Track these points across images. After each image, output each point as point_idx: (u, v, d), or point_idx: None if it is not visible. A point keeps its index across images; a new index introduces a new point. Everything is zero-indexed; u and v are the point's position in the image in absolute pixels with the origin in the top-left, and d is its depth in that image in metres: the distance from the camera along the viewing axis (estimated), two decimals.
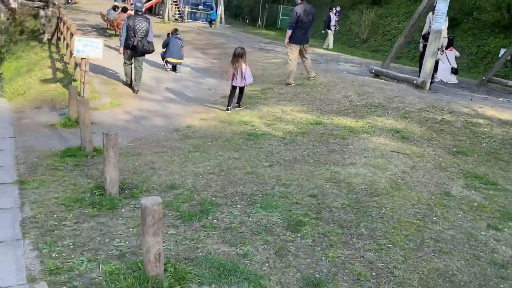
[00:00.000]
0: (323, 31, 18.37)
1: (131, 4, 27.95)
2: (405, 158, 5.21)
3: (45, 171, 4.55)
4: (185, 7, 28.98)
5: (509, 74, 13.41)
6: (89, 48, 7.42)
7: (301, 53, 8.81)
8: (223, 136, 6.13)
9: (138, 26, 8.42)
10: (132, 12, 12.31)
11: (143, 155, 5.30)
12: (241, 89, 7.65)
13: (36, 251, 2.98)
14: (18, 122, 6.68)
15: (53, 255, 2.94)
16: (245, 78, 7.41)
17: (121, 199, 3.90)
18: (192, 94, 9.20)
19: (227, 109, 7.59)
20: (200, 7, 27.96)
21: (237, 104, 7.70)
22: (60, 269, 2.77)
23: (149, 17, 9.54)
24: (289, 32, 8.61)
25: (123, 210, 3.70)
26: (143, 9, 9.81)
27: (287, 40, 8.66)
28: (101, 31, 17.44)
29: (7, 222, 3.39)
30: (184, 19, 27.33)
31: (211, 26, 24.36)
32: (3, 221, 3.39)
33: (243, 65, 7.38)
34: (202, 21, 28.40)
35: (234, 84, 7.48)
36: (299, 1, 8.63)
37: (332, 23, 16.76)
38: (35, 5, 14.31)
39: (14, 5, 13.31)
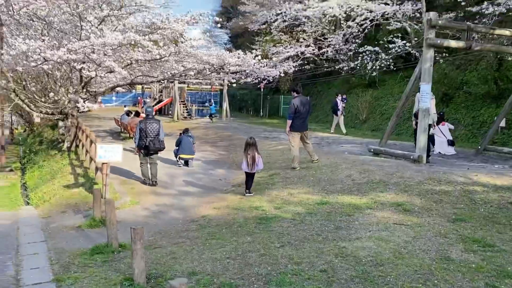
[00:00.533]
0: (332, 117, 19.38)
1: (142, 107, 29.92)
2: (407, 229, 5.58)
3: (78, 269, 4.98)
4: (192, 105, 30.90)
5: (507, 141, 13.98)
6: (109, 153, 8.21)
7: (302, 139, 9.56)
8: (236, 222, 6.58)
9: (149, 127, 9.42)
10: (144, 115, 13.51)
11: (164, 246, 5.73)
12: (252, 175, 8.26)
13: None
14: (47, 226, 7.21)
15: None
16: (256, 165, 8.07)
17: (148, 287, 4.28)
18: (204, 186, 9.80)
19: (246, 192, 8.18)
20: (206, 104, 29.76)
21: (247, 190, 8.26)
22: None
23: (158, 118, 10.55)
24: (289, 122, 9.45)
25: None
26: (153, 113, 10.83)
27: (288, 129, 9.48)
28: (115, 135, 18.67)
29: None
30: (192, 116, 29.02)
31: (211, 120, 25.78)
32: None
33: (256, 153, 8.08)
34: (216, 117, 30.01)
35: (247, 171, 8.12)
36: (295, 94, 9.59)
37: (340, 108, 17.49)
38: (55, 118, 15.59)
39: (37, 119, 14.56)
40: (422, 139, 8.50)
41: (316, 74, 28.77)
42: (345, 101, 18.75)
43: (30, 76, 16.61)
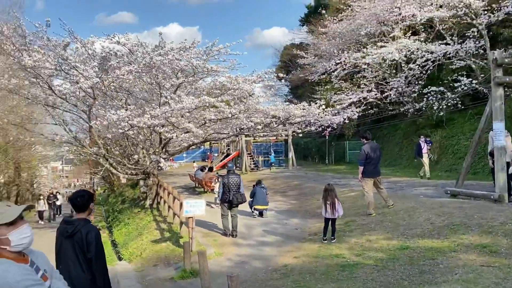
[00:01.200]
0: (415, 159, 18.88)
1: (211, 162, 31.28)
2: (495, 270, 5.50)
3: None
4: (258, 156, 31.82)
5: None
6: (194, 208, 8.89)
7: (375, 185, 9.69)
8: (318, 270, 6.79)
9: (231, 182, 10.01)
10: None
11: None
12: (333, 221, 8.48)
13: None
14: (143, 279, 7.87)
15: None
16: (337, 211, 8.30)
17: None
18: (281, 235, 10.11)
19: (324, 240, 8.39)
20: (272, 155, 30.49)
21: (332, 237, 8.46)
22: None
23: (238, 173, 11.20)
24: (360, 168, 9.66)
25: None
26: (234, 168, 11.43)
27: (360, 175, 9.67)
28: (191, 190, 19.70)
29: None
30: (259, 167, 29.80)
31: (270, 169, 26.36)
32: None
33: (335, 199, 8.34)
34: (275, 166, 30.64)
35: (327, 217, 8.36)
36: (365, 141, 9.85)
37: (424, 150, 16.54)
38: (139, 177, 16.93)
39: (123, 180, 15.92)
40: (501, 178, 8.32)
41: (381, 118, 28.64)
42: (430, 144, 17.95)
43: (112, 142, 18.35)
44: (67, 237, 3.84)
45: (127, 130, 13.23)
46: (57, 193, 27.15)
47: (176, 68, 13.87)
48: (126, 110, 13.02)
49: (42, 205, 24.22)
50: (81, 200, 4.01)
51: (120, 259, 10.49)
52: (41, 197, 26.99)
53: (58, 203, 26.40)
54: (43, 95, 13.14)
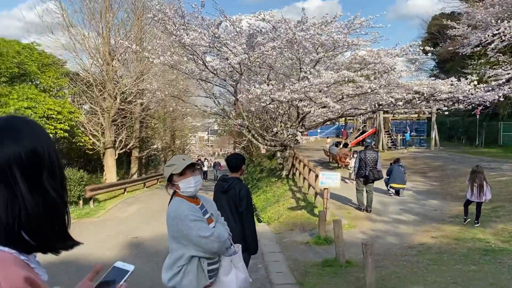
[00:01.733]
0: None
1: (346, 138, 31.09)
2: None
3: (313, 277, 5.89)
4: (397, 135, 30.48)
5: None
6: (329, 180, 9.18)
7: None
8: (458, 252, 6.55)
9: (368, 157, 9.98)
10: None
11: (386, 267, 6.20)
12: (479, 205, 8.00)
13: None
14: (281, 241, 8.53)
15: None
16: (485, 194, 7.81)
17: None
18: (418, 215, 9.83)
19: (465, 220, 8.04)
20: (412, 133, 28.89)
21: (476, 221, 8.01)
22: None
23: (377, 149, 11.09)
24: None
25: None
26: (372, 144, 11.31)
27: None
28: (324, 165, 20.03)
29: None
30: (397, 146, 28.61)
31: (406, 149, 24.93)
32: None
33: (484, 182, 7.85)
34: (415, 146, 29.07)
35: (472, 199, 7.93)
36: None
37: None
38: (276, 149, 17.86)
39: (263, 151, 16.97)
40: None
41: None
42: None
43: (253, 115, 19.54)
44: (223, 192, 4.47)
45: (269, 104, 14.02)
46: (205, 159, 30.17)
47: (316, 43, 14.06)
48: (268, 84, 13.75)
49: None
50: (235, 161, 4.60)
51: (259, 221, 11.41)
52: (205, 160, 31.00)
53: (204, 169, 29.47)
54: (197, 70, 14.64)
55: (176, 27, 13.03)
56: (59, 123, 15.21)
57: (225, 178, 4.65)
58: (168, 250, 2.76)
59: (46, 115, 14.72)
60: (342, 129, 38.61)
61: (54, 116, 14.92)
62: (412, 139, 29.81)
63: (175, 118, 31.74)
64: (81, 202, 15.40)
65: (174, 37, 13.17)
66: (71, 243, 1.05)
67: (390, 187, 12.03)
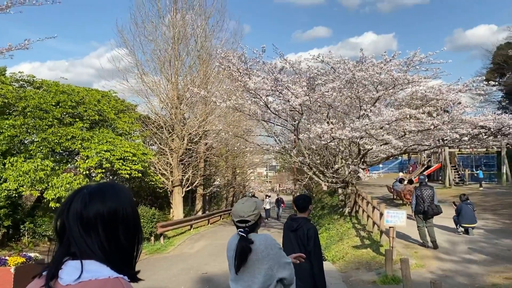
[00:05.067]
0: None
1: (410, 173, 30.25)
2: None
3: None
4: (465, 169, 29.20)
5: None
6: (395, 218, 9.23)
7: None
8: None
9: (425, 194, 10.09)
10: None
11: None
12: None
13: None
14: (347, 279, 8.64)
15: None
16: None
17: None
18: (489, 255, 9.50)
19: None
20: (481, 170, 27.53)
21: None
22: None
23: (432, 185, 11.02)
24: None
25: None
26: (426, 180, 11.32)
27: None
28: (388, 201, 19.70)
29: None
30: (465, 181, 27.39)
31: (480, 187, 23.54)
32: None
33: None
34: (485, 182, 27.63)
35: None
36: None
37: None
38: (338, 186, 17.94)
39: (324, 188, 17.13)
40: None
41: None
42: None
43: (313, 152, 19.85)
44: (292, 231, 4.84)
45: (329, 142, 14.34)
46: (267, 196, 30.24)
47: (376, 81, 14.34)
48: (329, 123, 14.13)
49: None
50: (303, 202, 4.98)
51: (324, 260, 11.51)
52: (267, 196, 30.60)
53: (267, 207, 28.34)
54: (260, 112, 15.40)
55: (241, 73, 13.91)
56: (134, 164, 16.49)
57: (294, 217, 5.02)
58: None
59: (122, 157, 16.04)
60: (411, 164, 37.25)
61: (129, 157, 16.22)
62: (488, 174, 28.42)
63: (236, 156, 32.77)
64: (152, 238, 16.33)
65: (238, 82, 14.05)
66: (134, 273, 1.32)
67: (460, 226, 11.70)
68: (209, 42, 24.49)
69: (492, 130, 14.29)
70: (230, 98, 14.71)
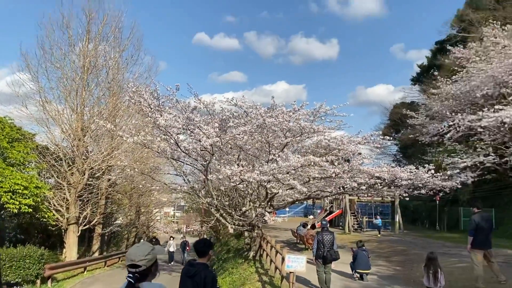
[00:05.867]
0: None
1: (314, 219, 31.32)
2: None
3: None
4: (362, 217, 31.05)
5: None
6: (295, 263, 9.33)
7: (486, 257, 9.17)
8: None
9: (326, 239, 10.43)
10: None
11: None
12: None
13: None
14: None
15: None
16: (439, 281, 8.08)
17: None
18: None
19: None
20: (378, 216, 29.52)
21: None
22: None
23: (332, 230, 11.47)
24: (470, 238, 9.27)
25: None
26: (327, 225, 11.78)
27: (469, 246, 9.27)
28: (291, 245, 20.05)
29: None
30: (363, 228, 29.02)
31: (378, 235, 25.23)
32: None
33: (438, 268, 8.16)
34: (382, 229, 29.49)
35: (428, 286, 8.17)
36: (476, 210, 9.48)
37: None
38: (244, 229, 17.86)
39: (231, 230, 16.94)
40: None
41: (500, 184, 26.37)
42: None
43: (222, 193, 19.75)
44: (189, 277, 4.62)
45: (238, 184, 14.35)
46: (172, 238, 28.74)
47: (285, 128, 14.88)
48: (238, 165, 14.21)
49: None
50: (203, 247, 4.81)
51: None
52: (171, 238, 28.41)
53: (171, 249, 26.77)
54: (169, 150, 15.03)
55: (152, 109, 13.58)
56: (25, 198, 14.94)
57: (193, 263, 4.81)
58: None
59: (12, 190, 14.48)
60: (321, 209, 38.23)
61: (20, 191, 14.68)
62: (383, 222, 30.36)
63: (141, 194, 31.41)
64: (38, 281, 14.63)
65: (149, 118, 13.67)
66: None
67: (355, 271, 12.18)
68: (121, 75, 23.83)
69: (386, 181, 15.42)
70: (138, 134, 14.19)
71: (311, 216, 26.12)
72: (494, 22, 22.53)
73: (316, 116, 15.71)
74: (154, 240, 27.90)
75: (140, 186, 24.20)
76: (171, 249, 26.76)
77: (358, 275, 12.18)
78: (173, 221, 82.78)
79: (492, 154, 22.27)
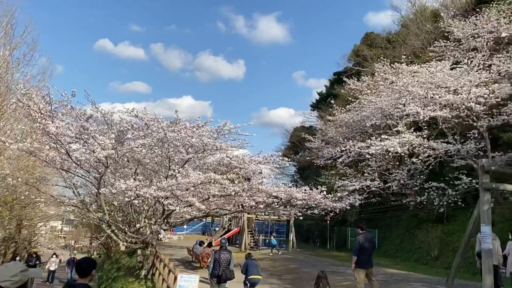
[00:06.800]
0: None
1: (211, 236, 31.13)
2: None
3: None
4: (259, 235, 31.65)
5: None
6: (187, 283, 9.09)
7: (367, 276, 9.83)
8: None
9: (222, 258, 10.40)
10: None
11: None
12: None
13: None
14: None
15: None
16: None
17: None
18: None
19: None
20: (274, 234, 30.34)
21: None
22: None
23: (230, 250, 11.47)
24: (354, 258, 9.89)
25: None
26: (226, 244, 11.77)
27: (353, 265, 9.87)
28: (186, 264, 19.63)
29: None
30: (259, 246, 29.56)
31: (271, 253, 26.04)
32: None
33: (327, 286, 8.47)
34: (277, 248, 30.32)
35: None
36: (360, 231, 10.16)
37: None
38: (137, 247, 17.04)
39: (122, 248, 16.03)
40: (487, 280, 8.48)
41: (383, 207, 28.82)
42: None
43: (116, 208, 18.73)
44: None
45: (133, 199, 13.71)
46: (55, 256, 26.39)
47: (187, 144, 14.66)
48: (135, 180, 13.58)
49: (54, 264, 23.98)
50: (86, 266, 4.43)
51: None
52: (54, 255, 26.01)
53: (52, 268, 24.77)
54: (59, 159, 13.87)
55: (42, 115, 12.47)
56: None
57: (72, 284, 4.42)
58: None
59: None
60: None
61: None
62: (278, 241, 31.18)
63: (25, 206, 28.42)
64: None
65: (38, 124, 12.51)
66: None
67: (248, 280, 12.17)
68: (10, 74, 21.59)
69: (283, 200, 15.92)
70: (25, 140, 12.89)
71: (216, 235, 25.93)
72: (385, 59, 24.89)
73: (219, 134, 15.72)
74: (34, 256, 25.11)
75: (23, 197, 21.87)
76: (52, 268, 24.49)
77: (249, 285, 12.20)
78: (60, 236, 76.27)
79: (378, 179, 24.28)
